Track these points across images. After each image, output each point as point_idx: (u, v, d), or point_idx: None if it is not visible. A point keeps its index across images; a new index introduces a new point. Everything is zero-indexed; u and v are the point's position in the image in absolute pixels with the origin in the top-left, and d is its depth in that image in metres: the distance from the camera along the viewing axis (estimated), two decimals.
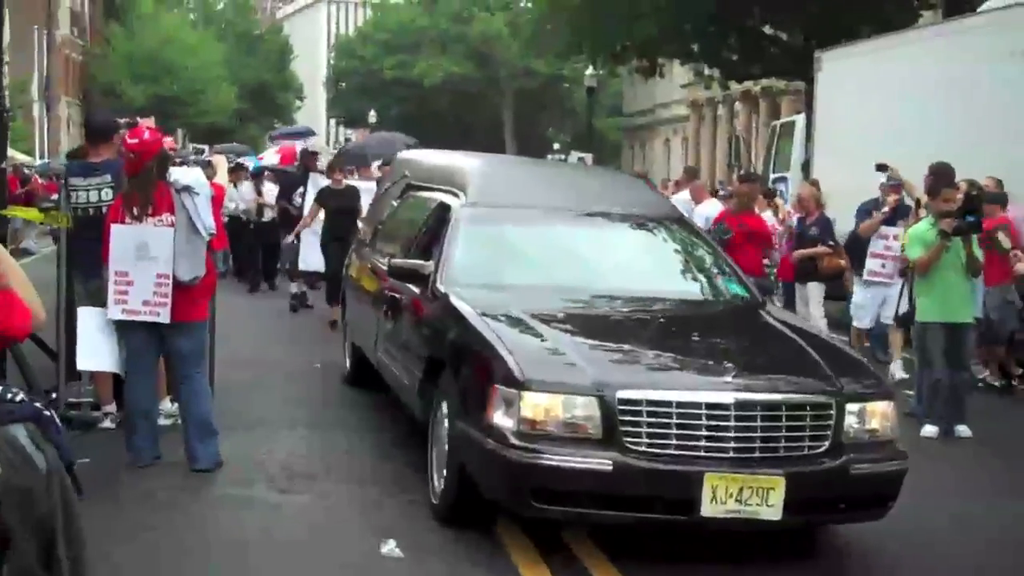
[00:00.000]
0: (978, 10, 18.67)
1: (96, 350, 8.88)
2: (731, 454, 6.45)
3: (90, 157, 9.50)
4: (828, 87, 21.90)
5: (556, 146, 77.80)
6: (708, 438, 6.45)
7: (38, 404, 3.31)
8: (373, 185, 16.11)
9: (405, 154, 13.39)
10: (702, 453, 6.44)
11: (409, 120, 78.75)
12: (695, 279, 9.14)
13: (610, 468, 6.34)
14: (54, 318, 9.19)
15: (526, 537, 7.05)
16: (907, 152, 15.29)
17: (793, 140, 26.60)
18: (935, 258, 10.76)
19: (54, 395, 9.37)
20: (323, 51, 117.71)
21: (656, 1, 31.14)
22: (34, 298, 3.66)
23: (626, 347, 7.44)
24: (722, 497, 6.33)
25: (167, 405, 9.49)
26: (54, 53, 66.00)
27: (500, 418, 6.59)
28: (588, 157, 37.69)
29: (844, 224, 15.16)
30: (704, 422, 6.45)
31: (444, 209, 9.33)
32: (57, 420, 3.40)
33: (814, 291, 14.57)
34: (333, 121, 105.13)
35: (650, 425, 6.43)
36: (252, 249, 21.80)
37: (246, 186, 21.84)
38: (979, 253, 11.07)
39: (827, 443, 6.63)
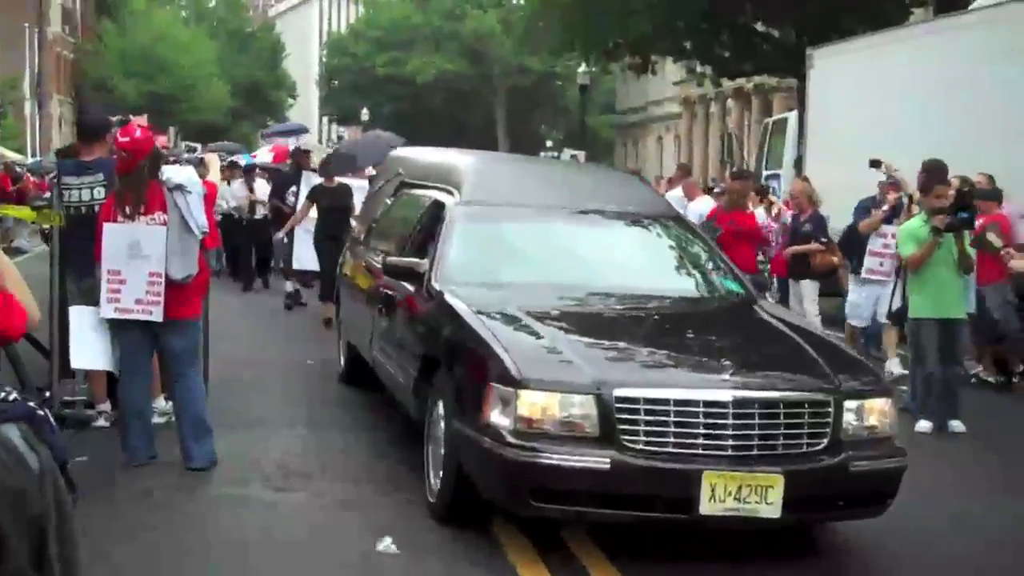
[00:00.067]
0: (970, 7, 18.69)
1: (89, 349, 8.84)
2: (729, 452, 6.42)
3: (82, 155, 9.47)
4: (820, 84, 21.92)
5: (549, 143, 78.00)
6: (706, 436, 6.41)
7: (32, 403, 3.28)
8: (365, 183, 16.11)
9: (399, 152, 13.37)
10: (700, 451, 6.41)
11: (402, 117, 78.86)
12: (691, 276, 9.12)
13: (608, 467, 6.31)
14: (47, 316, 9.15)
15: (524, 536, 7.02)
16: (900, 149, 15.30)
17: (785, 137, 26.63)
18: (927, 255, 10.76)
19: (48, 394, 9.33)
20: (315, 48, 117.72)
21: None
22: (29, 297, 3.63)
23: (623, 345, 7.41)
24: (720, 495, 6.30)
25: (161, 403, 9.45)
26: (45, 50, 66.00)
27: (497, 417, 6.55)
28: (581, 155, 37.70)
29: (837, 221, 15.17)
30: (702, 420, 6.42)
31: (438, 207, 9.29)
32: (51, 419, 3.37)
33: (808, 288, 14.59)
34: (326, 119, 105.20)
35: (648, 423, 6.39)
36: (245, 247, 21.76)
37: (238, 183, 21.82)
38: (971, 250, 11.07)
39: (826, 440, 6.61)
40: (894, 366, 13.12)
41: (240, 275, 21.69)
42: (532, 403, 6.46)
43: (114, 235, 8.34)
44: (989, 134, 15.66)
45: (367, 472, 8.55)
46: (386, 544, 6.86)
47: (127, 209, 8.35)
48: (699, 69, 37.74)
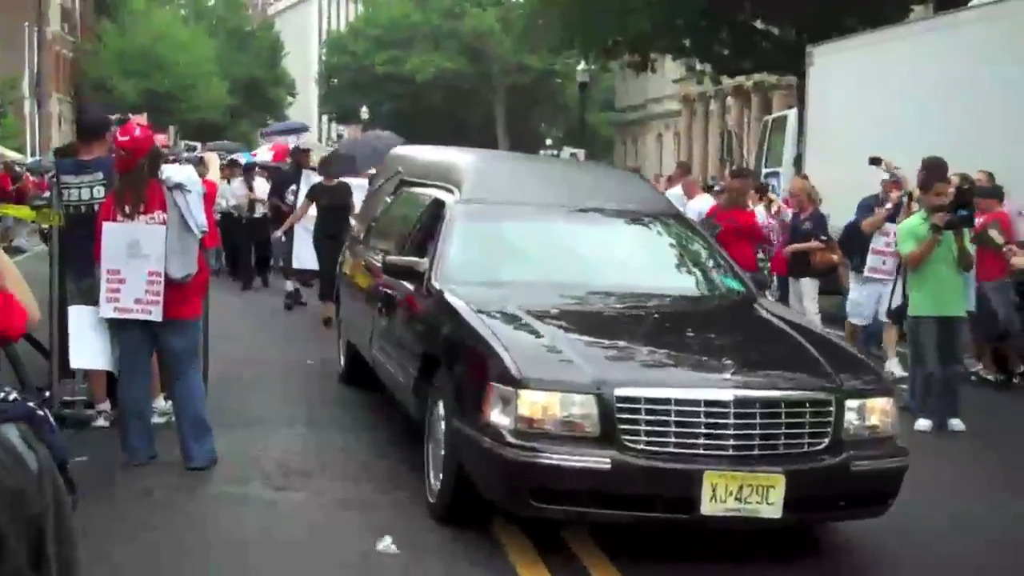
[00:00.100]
0: (969, 4, 18.68)
1: (88, 348, 8.83)
2: (730, 452, 6.40)
3: (81, 155, 9.45)
4: (820, 82, 21.92)
5: (548, 142, 78.02)
6: (707, 436, 6.39)
7: (31, 403, 3.26)
8: (365, 182, 16.07)
9: (398, 150, 13.34)
10: (701, 451, 6.39)
11: (401, 116, 78.87)
12: (692, 275, 9.09)
13: (609, 467, 6.29)
14: (47, 316, 9.14)
15: (524, 536, 7.00)
16: (899, 147, 15.30)
17: (785, 135, 26.59)
18: (927, 252, 10.74)
19: (48, 393, 9.32)
20: (314, 47, 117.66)
21: None
22: (29, 297, 3.62)
23: (624, 344, 7.38)
24: (722, 495, 6.28)
25: (161, 403, 9.43)
26: (45, 50, 65.98)
27: (497, 416, 6.53)
28: (580, 153, 37.72)
29: (837, 219, 15.15)
30: (703, 420, 6.40)
31: (438, 205, 9.27)
32: (51, 419, 3.36)
33: (807, 286, 14.57)
34: (325, 117, 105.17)
35: (649, 423, 6.37)
36: (245, 246, 21.74)
37: (237, 182, 21.79)
38: (971, 247, 11.06)
39: (827, 440, 6.59)
40: (894, 366, 13.09)
41: (239, 274, 21.68)
42: (532, 403, 6.44)
43: (113, 234, 8.33)
44: (989, 131, 15.65)
45: (367, 471, 8.53)
46: (386, 544, 6.84)
47: (126, 208, 8.33)
48: (699, 67, 37.74)
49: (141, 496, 7.73)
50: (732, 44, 33.63)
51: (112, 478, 7.97)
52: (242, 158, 25.10)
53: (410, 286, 8.61)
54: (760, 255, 14.77)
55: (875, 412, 6.83)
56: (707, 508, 6.30)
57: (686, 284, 8.86)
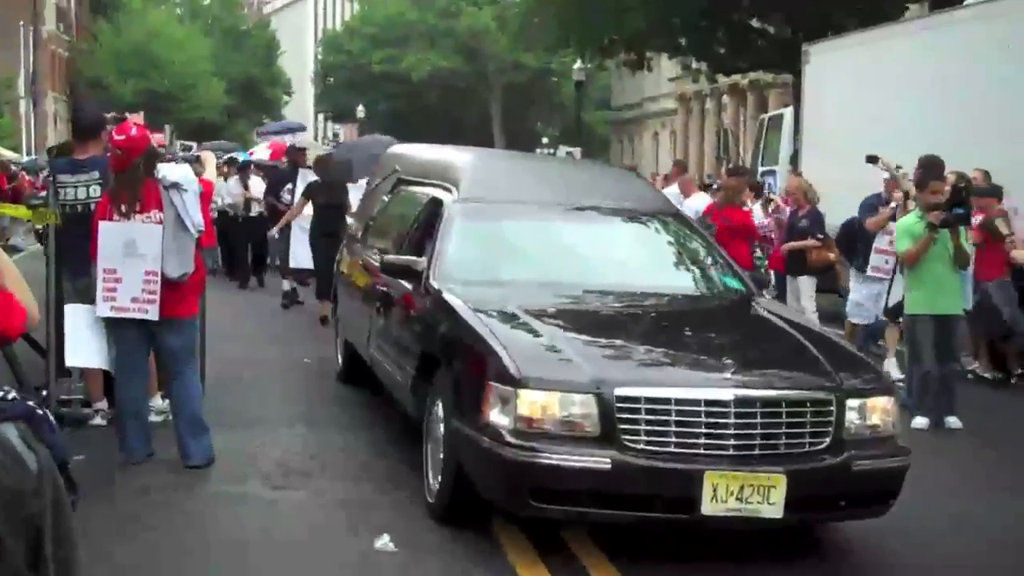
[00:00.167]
0: (965, 3, 18.68)
1: (84, 347, 8.81)
2: (731, 452, 6.37)
3: (77, 154, 9.43)
4: (816, 80, 21.92)
5: (545, 140, 78.00)
6: (708, 435, 6.37)
7: (31, 403, 3.24)
8: (362, 181, 16.04)
9: (396, 148, 13.31)
10: (702, 451, 6.36)
11: (397, 115, 78.88)
12: (691, 274, 9.06)
13: (609, 466, 6.26)
14: (43, 315, 9.11)
15: (524, 536, 6.98)
16: (896, 145, 15.26)
17: (781, 133, 26.60)
18: (923, 251, 10.75)
19: (44, 392, 9.29)
20: (310, 46, 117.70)
21: None
22: (28, 296, 3.59)
23: (623, 343, 7.35)
24: (722, 495, 6.26)
25: (158, 402, 9.42)
26: (40, 49, 65.86)
27: (496, 416, 6.51)
28: (576, 152, 37.70)
29: (833, 217, 15.12)
30: (703, 419, 6.37)
31: (436, 204, 9.24)
32: (51, 419, 3.34)
33: (805, 284, 14.56)
34: (321, 116, 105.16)
35: (649, 423, 6.34)
36: (241, 245, 21.71)
37: (233, 180, 21.76)
38: (968, 246, 11.06)
39: (828, 440, 6.56)
40: (891, 366, 13.06)
41: (236, 273, 21.65)
42: (532, 402, 6.41)
43: (110, 233, 8.31)
44: (985, 130, 15.65)
45: (366, 471, 8.51)
46: (384, 542, 6.83)
47: (123, 207, 8.31)
48: (695, 65, 37.74)
49: (139, 494, 7.72)
50: (728, 42, 33.65)
51: (110, 477, 7.95)
52: (239, 157, 25.05)
53: (408, 285, 8.58)
54: (758, 253, 14.76)
55: (876, 411, 6.80)
56: (708, 508, 6.27)
57: (685, 283, 8.84)
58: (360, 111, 79.96)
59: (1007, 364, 13.73)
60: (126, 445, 8.45)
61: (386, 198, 11.25)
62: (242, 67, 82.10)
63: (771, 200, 17.79)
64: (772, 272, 15.82)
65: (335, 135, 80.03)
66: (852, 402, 6.69)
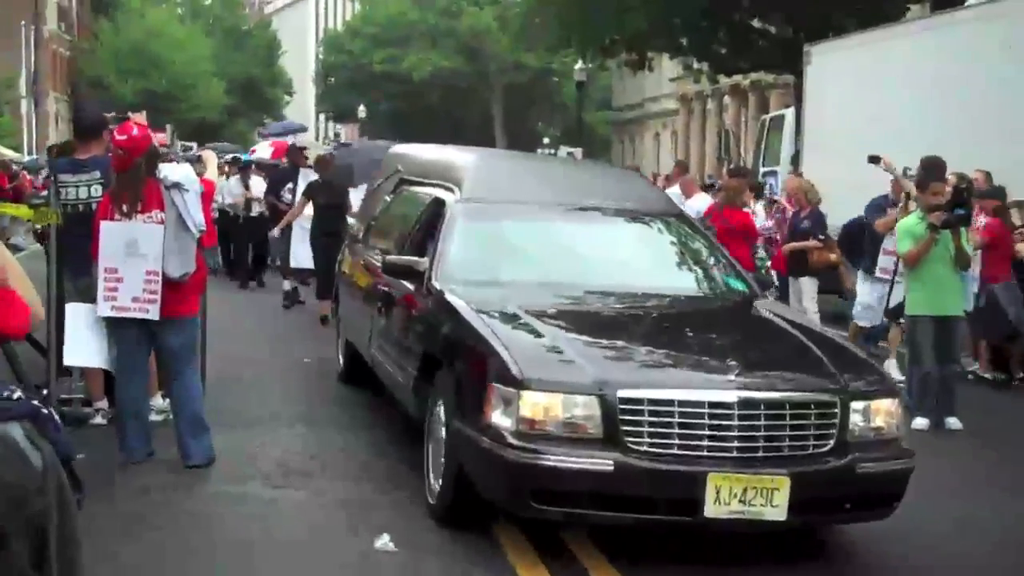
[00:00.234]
0: (966, 3, 18.70)
1: (83, 346, 8.78)
2: (735, 454, 6.34)
3: (79, 153, 9.43)
4: (817, 81, 21.93)
5: (546, 140, 78.00)
6: (711, 437, 6.33)
7: (35, 401, 3.24)
8: (362, 186, 16.01)
9: (398, 148, 13.27)
10: (705, 453, 6.33)
11: (398, 115, 78.90)
12: (695, 274, 9.03)
13: (611, 468, 6.23)
14: (44, 314, 9.09)
15: (524, 537, 6.96)
16: (897, 145, 15.26)
17: (782, 134, 26.63)
18: (924, 251, 10.74)
19: (45, 391, 9.28)
20: (311, 46, 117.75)
21: None
22: (33, 294, 3.58)
23: (626, 345, 7.32)
24: (726, 498, 6.23)
25: (158, 401, 9.42)
26: (41, 48, 65.89)
27: (498, 417, 6.48)
28: (577, 152, 37.68)
29: (835, 218, 15.12)
30: (707, 421, 6.34)
31: (439, 204, 9.21)
32: (56, 417, 3.33)
33: (807, 285, 14.54)
34: (322, 116, 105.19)
35: (652, 424, 6.31)
36: (242, 245, 21.68)
37: (234, 180, 21.73)
38: (968, 247, 11.06)
39: (832, 442, 6.53)
40: (892, 368, 13.04)
41: (236, 273, 21.64)
42: (534, 404, 6.38)
43: (111, 233, 8.30)
44: (986, 130, 15.67)
45: (366, 471, 8.50)
46: (384, 542, 6.81)
47: (124, 207, 8.30)
48: (696, 66, 37.75)
49: (139, 494, 7.71)
50: (729, 43, 33.65)
51: (110, 476, 7.93)
52: (242, 158, 25.02)
53: (410, 286, 8.55)
54: (760, 254, 14.73)
55: (880, 413, 6.77)
56: (711, 511, 6.24)
57: (688, 284, 8.81)
58: (361, 111, 79.97)
59: (1009, 366, 13.71)
60: (126, 445, 8.44)
61: (388, 198, 11.23)
62: (243, 67, 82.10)
63: (775, 201, 17.77)
64: (774, 273, 15.80)
65: (336, 135, 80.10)
66: (856, 404, 6.66)
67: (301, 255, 17.46)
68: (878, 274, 13.50)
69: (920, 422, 10.70)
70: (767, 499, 6.28)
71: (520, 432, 6.38)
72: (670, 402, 6.36)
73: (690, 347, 7.40)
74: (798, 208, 15.12)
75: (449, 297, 7.75)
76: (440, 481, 7.20)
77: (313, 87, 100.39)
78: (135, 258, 8.23)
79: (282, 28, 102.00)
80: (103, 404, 9.46)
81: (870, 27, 22.76)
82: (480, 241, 8.66)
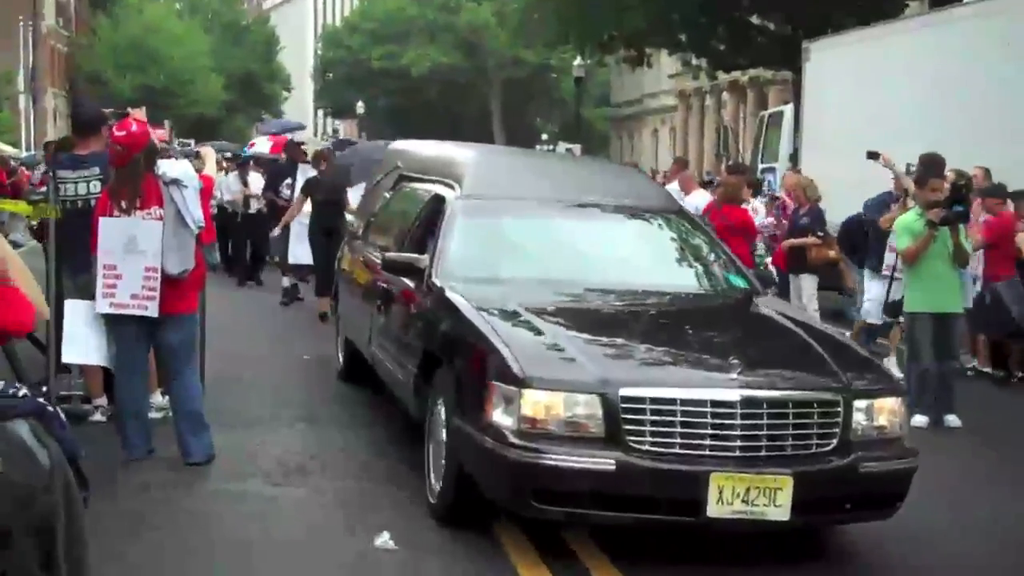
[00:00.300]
0: (964, 0, 18.69)
1: (81, 344, 8.74)
2: (737, 453, 6.31)
3: (78, 149, 9.40)
4: (816, 77, 21.94)
5: (544, 136, 77.95)
6: (713, 437, 6.30)
7: (41, 399, 3.22)
8: (359, 185, 15.98)
9: (397, 144, 13.24)
10: (707, 452, 6.30)
11: (397, 111, 78.86)
12: (696, 271, 8.98)
13: (613, 468, 6.20)
14: None
15: (525, 537, 6.93)
16: (896, 142, 15.26)
17: (781, 131, 26.62)
18: (923, 248, 10.71)
19: (44, 388, 9.24)
20: (310, 41, 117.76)
21: None
22: (37, 291, 3.56)
23: (628, 343, 7.25)
24: (728, 498, 6.19)
25: (158, 398, 9.40)
26: (39, 44, 65.87)
27: (499, 416, 6.45)
28: (576, 148, 37.66)
29: (833, 215, 15.10)
30: (709, 420, 6.31)
31: (439, 201, 9.16)
32: (61, 415, 3.32)
33: (807, 282, 14.52)
34: (321, 112, 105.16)
35: (654, 423, 6.28)
36: (240, 242, 21.64)
37: (232, 176, 21.66)
38: (967, 244, 11.04)
39: (835, 441, 6.49)
40: (891, 365, 13.00)
41: (235, 270, 21.59)
42: (536, 402, 6.35)
43: (110, 229, 8.27)
44: (985, 127, 15.67)
45: (367, 470, 8.47)
46: (383, 540, 6.79)
47: (123, 203, 8.27)
48: (694, 62, 37.76)
49: (139, 492, 7.70)
50: (728, 39, 33.65)
51: (110, 474, 7.88)
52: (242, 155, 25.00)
53: (410, 283, 8.52)
54: (760, 251, 14.72)
55: (883, 412, 6.74)
56: (713, 510, 6.21)
57: (690, 281, 8.76)
58: (360, 107, 79.95)
59: (1008, 364, 13.69)
60: (127, 443, 8.42)
61: (388, 195, 11.19)
62: (241, 63, 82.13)
63: (776, 198, 17.75)
64: (774, 269, 15.77)
65: (335, 131, 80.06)
66: (859, 403, 6.62)
67: (299, 252, 17.42)
68: (884, 271, 13.44)
69: (919, 419, 10.66)
70: (770, 499, 6.25)
71: (521, 431, 6.35)
72: (672, 401, 6.32)
73: (692, 345, 7.34)
74: (798, 205, 15.10)
75: (449, 294, 7.71)
76: (441, 481, 7.17)
77: (311, 83, 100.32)
78: (134, 255, 8.20)
79: (280, 24, 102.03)
80: (102, 401, 9.44)
81: (869, 23, 22.74)
82: (480, 238, 8.62)
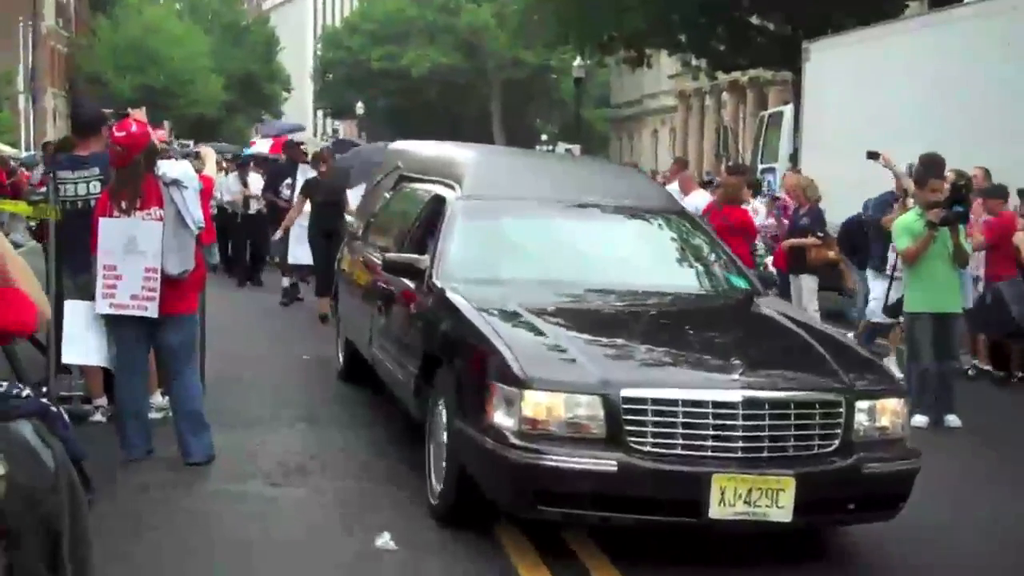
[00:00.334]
0: (964, 0, 18.69)
1: (81, 344, 8.74)
2: (739, 454, 6.29)
3: (78, 150, 9.40)
4: (816, 77, 21.94)
5: (544, 137, 77.94)
6: (715, 438, 6.29)
7: (45, 400, 3.22)
8: (359, 187, 15.97)
9: (397, 145, 13.23)
10: (709, 453, 6.28)
11: (397, 111, 78.87)
12: (696, 271, 8.97)
13: (615, 469, 6.18)
14: None
15: (525, 537, 6.92)
16: (896, 142, 15.25)
17: (781, 131, 26.62)
18: (923, 249, 10.71)
19: (44, 388, 9.23)
20: (310, 42, 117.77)
21: None
22: (39, 291, 3.55)
23: (630, 343, 7.24)
24: (730, 499, 6.17)
25: (158, 399, 9.40)
26: (39, 45, 65.89)
27: (500, 417, 6.43)
28: (576, 148, 37.65)
29: (833, 215, 15.09)
30: (711, 421, 6.29)
31: (439, 202, 9.15)
32: (65, 415, 3.31)
33: (807, 282, 14.51)
34: (320, 112, 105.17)
35: (656, 424, 6.26)
36: (240, 242, 21.62)
37: (232, 177, 21.65)
38: (967, 244, 11.04)
39: (837, 442, 6.48)
40: (891, 364, 12.99)
41: (235, 270, 21.58)
42: (537, 403, 6.33)
43: (110, 230, 8.27)
44: (985, 127, 15.66)
45: (367, 470, 8.46)
46: (384, 540, 6.78)
47: (123, 204, 8.26)
48: (694, 62, 37.73)
49: (139, 492, 7.69)
50: (728, 39, 33.64)
51: (110, 474, 7.86)
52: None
53: (410, 284, 8.50)
54: (759, 251, 14.71)
55: (885, 413, 6.72)
56: (715, 512, 6.19)
57: (691, 281, 8.75)
58: (359, 107, 79.93)
59: (1009, 364, 13.68)
60: (126, 443, 8.41)
61: (388, 195, 11.18)
62: (241, 63, 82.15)
63: (777, 198, 17.75)
64: (774, 270, 15.77)
65: (335, 131, 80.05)
66: (862, 403, 6.61)
67: (299, 253, 17.40)
68: (888, 272, 13.42)
69: (919, 419, 10.64)
70: (772, 500, 6.23)
71: (522, 432, 6.33)
72: (674, 402, 6.31)
73: (693, 346, 7.33)
74: (798, 205, 15.10)
75: (450, 295, 7.70)
76: (442, 482, 7.16)
77: (311, 83, 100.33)
78: (134, 255, 8.19)
79: (280, 24, 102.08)
80: (102, 402, 9.43)
81: (869, 24, 22.74)
82: (481, 238, 8.60)
